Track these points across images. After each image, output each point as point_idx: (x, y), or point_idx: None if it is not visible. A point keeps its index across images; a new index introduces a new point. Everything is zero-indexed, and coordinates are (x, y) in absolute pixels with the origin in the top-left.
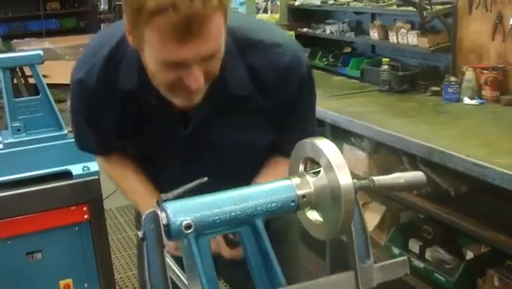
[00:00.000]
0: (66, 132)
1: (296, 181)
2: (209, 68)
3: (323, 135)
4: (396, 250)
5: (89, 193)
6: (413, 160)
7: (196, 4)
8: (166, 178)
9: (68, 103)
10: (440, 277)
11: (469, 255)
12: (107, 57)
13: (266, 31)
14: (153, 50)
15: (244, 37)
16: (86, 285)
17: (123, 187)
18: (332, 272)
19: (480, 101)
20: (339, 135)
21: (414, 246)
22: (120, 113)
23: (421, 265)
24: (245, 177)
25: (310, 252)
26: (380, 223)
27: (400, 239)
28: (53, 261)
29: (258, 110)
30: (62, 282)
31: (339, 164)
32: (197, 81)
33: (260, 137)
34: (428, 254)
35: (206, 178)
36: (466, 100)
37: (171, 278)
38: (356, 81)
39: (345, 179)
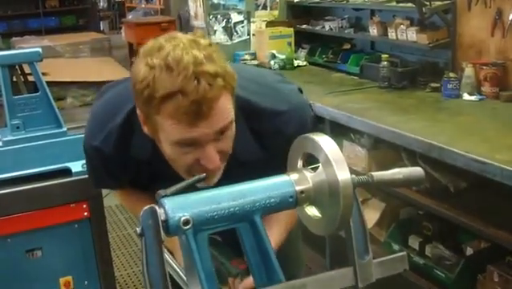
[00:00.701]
0: (65, 129)
1: (294, 176)
2: (223, 146)
3: (322, 131)
4: (395, 247)
5: (89, 190)
6: (413, 156)
7: (202, 86)
8: None
9: (68, 101)
10: (440, 273)
11: (469, 251)
12: (121, 125)
13: (270, 96)
14: (167, 134)
15: (248, 104)
16: (86, 282)
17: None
18: (332, 268)
19: (479, 97)
20: (339, 131)
21: (414, 242)
22: (136, 172)
23: (421, 261)
24: None
25: (309, 248)
26: (380, 220)
27: (399, 236)
28: (53, 258)
29: (261, 162)
30: (62, 280)
31: (337, 160)
32: (213, 160)
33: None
34: (428, 251)
35: (204, 174)
36: (466, 96)
37: (169, 274)
38: (356, 77)
39: (343, 174)
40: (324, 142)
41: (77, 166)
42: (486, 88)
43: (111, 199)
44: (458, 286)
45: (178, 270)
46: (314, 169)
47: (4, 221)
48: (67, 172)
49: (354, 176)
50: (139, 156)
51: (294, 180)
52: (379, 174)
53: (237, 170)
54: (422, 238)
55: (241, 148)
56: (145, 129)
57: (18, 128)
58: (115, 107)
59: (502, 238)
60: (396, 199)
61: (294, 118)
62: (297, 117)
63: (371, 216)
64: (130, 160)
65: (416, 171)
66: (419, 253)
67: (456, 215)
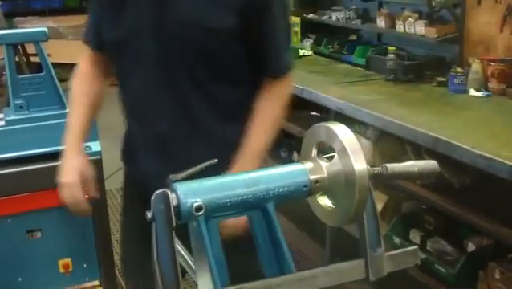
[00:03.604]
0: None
1: (309, 165)
2: None
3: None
4: (397, 240)
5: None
6: (418, 149)
7: None
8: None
9: (70, 82)
10: (441, 268)
11: (471, 247)
12: None
13: None
14: None
15: None
16: (85, 265)
17: (71, 107)
18: (331, 259)
19: (486, 93)
20: (344, 122)
21: (415, 236)
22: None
23: (422, 256)
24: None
25: (309, 239)
26: (382, 212)
27: (401, 229)
28: (52, 240)
29: None
30: (61, 262)
31: (354, 150)
32: None
33: (214, 16)
34: (429, 245)
35: (216, 160)
36: (472, 92)
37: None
38: (361, 69)
39: (360, 165)
40: (340, 131)
41: None
42: (493, 84)
43: (112, 183)
44: (459, 282)
45: (186, 257)
46: (329, 159)
47: (5, 201)
48: None
49: (369, 167)
50: None
51: (309, 168)
52: (393, 166)
53: None
54: (424, 233)
55: None
56: None
57: (21, 107)
58: None
59: (505, 235)
60: (398, 192)
61: None
62: None
63: None
64: None
65: (431, 164)
66: (420, 247)
67: (459, 211)
